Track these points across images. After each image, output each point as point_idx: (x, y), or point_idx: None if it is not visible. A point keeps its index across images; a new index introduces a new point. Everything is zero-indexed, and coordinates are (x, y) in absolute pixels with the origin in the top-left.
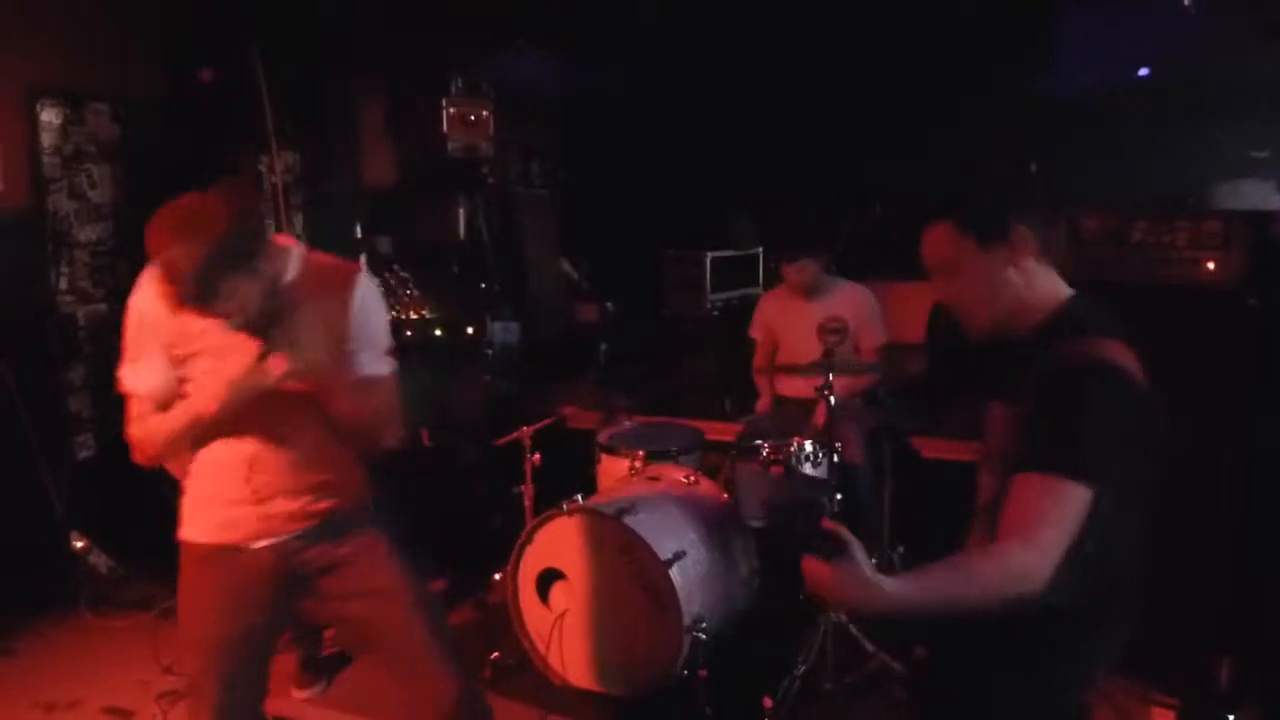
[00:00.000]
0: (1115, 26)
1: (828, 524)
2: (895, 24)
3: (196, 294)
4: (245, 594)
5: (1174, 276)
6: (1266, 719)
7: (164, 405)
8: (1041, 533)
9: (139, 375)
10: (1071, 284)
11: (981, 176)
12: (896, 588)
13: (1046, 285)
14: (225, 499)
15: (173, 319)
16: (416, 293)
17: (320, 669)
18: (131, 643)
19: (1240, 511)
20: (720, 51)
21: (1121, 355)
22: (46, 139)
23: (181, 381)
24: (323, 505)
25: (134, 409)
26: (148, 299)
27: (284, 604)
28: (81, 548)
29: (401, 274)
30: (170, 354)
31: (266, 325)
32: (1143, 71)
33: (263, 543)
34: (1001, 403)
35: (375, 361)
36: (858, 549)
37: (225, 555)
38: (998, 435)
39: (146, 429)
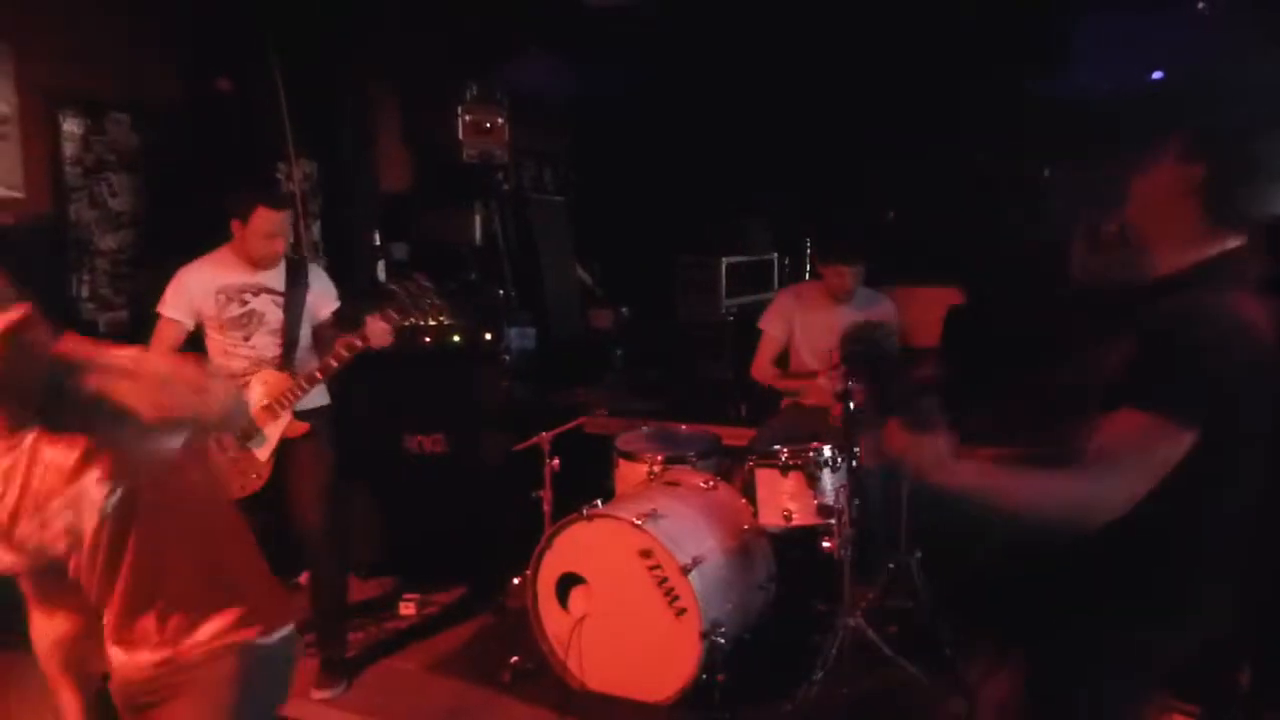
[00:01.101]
0: (1129, 29)
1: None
2: (908, 27)
3: None
4: None
5: None
6: None
7: None
8: (1123, 468)
9: None
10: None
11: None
12: (967, 476)
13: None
14: None
15: None
16: (439, 301)
17: (341, 671)
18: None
19: (1259, 515)
20: (731, 55)
21: (1244, 306)
22: (68, 148)
23: None
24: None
25: None
26: None
27: None
28: None
29: (424, 283)
30: None
31: None
32: (1156, 74)
33: None
34: (1104, 350)
35: None
36: (940, 426)
37: None
38: (1096, 384)
39: None
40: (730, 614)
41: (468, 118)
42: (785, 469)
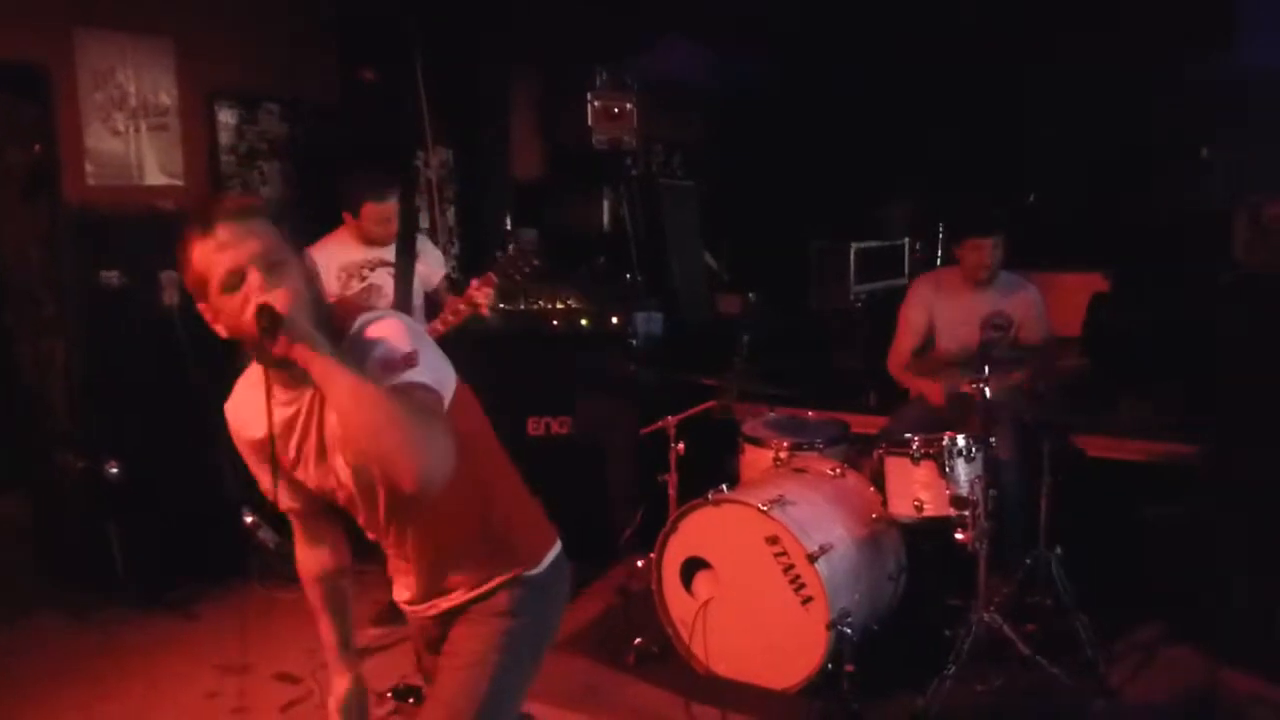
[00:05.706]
0: None
1: None
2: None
3: (267, 263)
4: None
5: None
6: None
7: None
8: None
9: None
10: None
11: None
12: None
13: None
14: None
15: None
16: (535, 261)
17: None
18: (297, 614)
19: None
20: (864, 38)
21: None
22: (223, 138)
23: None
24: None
25: None
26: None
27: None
28: (251, 523)
29: (524, 247)
30: None
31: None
32: None
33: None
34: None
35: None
36: None
37: None
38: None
39: None
40: (858, 604)
41: (597, 104)
42: (917, 458)
